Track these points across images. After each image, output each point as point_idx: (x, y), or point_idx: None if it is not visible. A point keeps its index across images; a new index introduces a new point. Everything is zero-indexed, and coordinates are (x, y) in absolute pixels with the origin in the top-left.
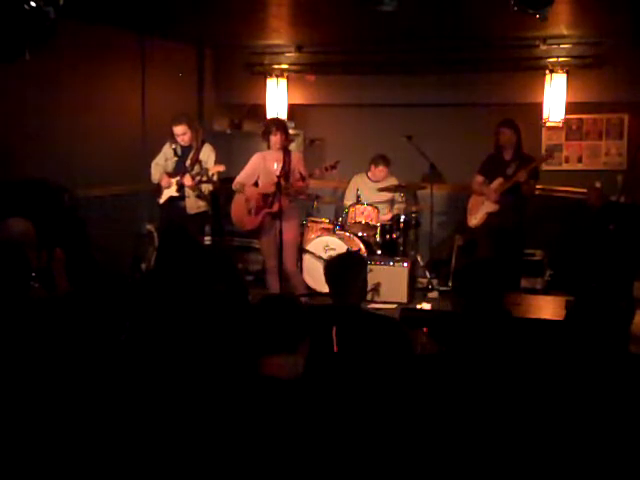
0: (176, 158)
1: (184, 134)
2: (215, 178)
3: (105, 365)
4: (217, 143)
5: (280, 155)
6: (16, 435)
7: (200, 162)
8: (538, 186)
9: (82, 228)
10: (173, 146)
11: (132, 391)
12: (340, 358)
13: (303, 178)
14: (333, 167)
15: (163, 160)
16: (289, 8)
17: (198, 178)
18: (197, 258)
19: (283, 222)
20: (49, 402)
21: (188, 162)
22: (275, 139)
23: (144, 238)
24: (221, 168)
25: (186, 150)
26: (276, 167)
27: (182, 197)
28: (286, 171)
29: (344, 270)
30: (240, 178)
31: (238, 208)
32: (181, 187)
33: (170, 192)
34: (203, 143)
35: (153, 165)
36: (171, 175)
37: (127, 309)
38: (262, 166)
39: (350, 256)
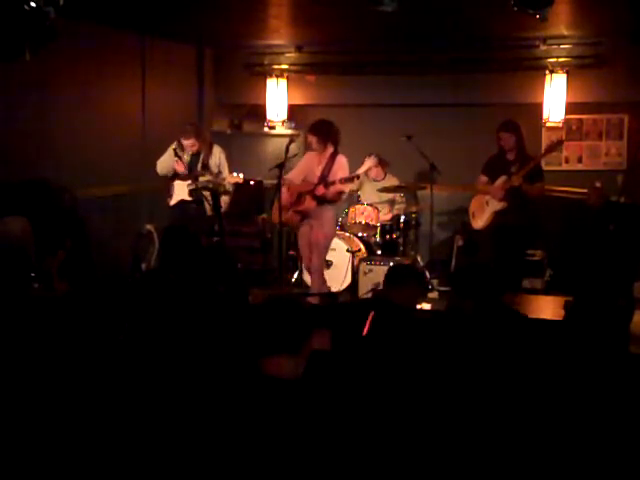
0: (188, 159)
1: (192, 145)
2: (231, 189)
3: (103, 365)
4: (217, 143)
5: (324, 158)
6: (15, 432)
7: (209, 166)
8: None
9: (82, 228)
10: (175, 147)
11: (130, 390)
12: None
13: (325, 184)
14: (350, 179)
15: (169, 163)
16: (289, 8)
17: (211, 186)
18: (199, 258)
19: (313, 221)
20: (48, 401)
21: (199, 167)
22: (309, 140)
23: (144, 238)
24: (239, 180)
25: (195, 156)
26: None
27: (194, 201)
28: (324, 175)
29: (403, 273)
30: (290, 175)
31: (279, 203)
32: (192, 191)
33: (182, 195)
34: (212, 146)
35: (158, 164)
36: (182, 179)
37: (126, 309)
38: (308, 165)
39: (413, 268)
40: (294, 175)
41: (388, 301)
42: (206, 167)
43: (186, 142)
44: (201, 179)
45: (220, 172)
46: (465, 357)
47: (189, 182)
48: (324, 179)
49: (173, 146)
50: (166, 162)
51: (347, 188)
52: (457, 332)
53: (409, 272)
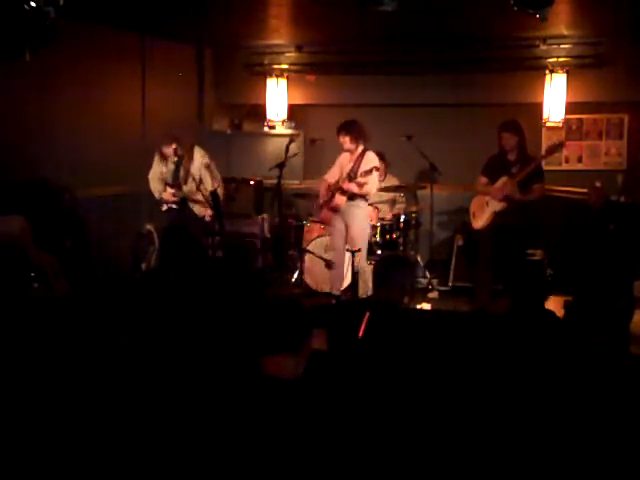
0: (173, 166)
1: (175, 152)
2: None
3: (103, 365)
4: (217, 143)
5: (355, 156)
6: (15, 432)
7: (190, 173)
8: None
9: (82, 228)
10: (158, 158)
11: (131, 390)
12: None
13: (350, 178)
14: (369, 172)
15: (159, 173)
16: (289, 8)
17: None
18: (199, 258)
19: (345, 217)
20: (48, 401)
21: (181, 174)
22: (342, 140)
23: (144, 238)
24: (216, 185)
25: (178, 163)
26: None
27: (181, 207)
28: (354, 170)
29: (384, 268)
30: (327, 175)
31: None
32: (180, 198)
33: (169, 203)
34: (192, 147)
35: (150, 181)
36: (169, 185)
37: (126, 309)
38: (341, 164)
39: (395, 259)
40: (330, 175)
41: (381, 301)
42: (187, 174)
43: (167, 150)
44: (184, 187)
45: (202, 180)
46: (480, 357)
47: (174, 190)
48: (350, 175)
49: (157, 157)
50: (155, 182)
51: (369, 179)
52: (487, 332)
53: (391, 266)
